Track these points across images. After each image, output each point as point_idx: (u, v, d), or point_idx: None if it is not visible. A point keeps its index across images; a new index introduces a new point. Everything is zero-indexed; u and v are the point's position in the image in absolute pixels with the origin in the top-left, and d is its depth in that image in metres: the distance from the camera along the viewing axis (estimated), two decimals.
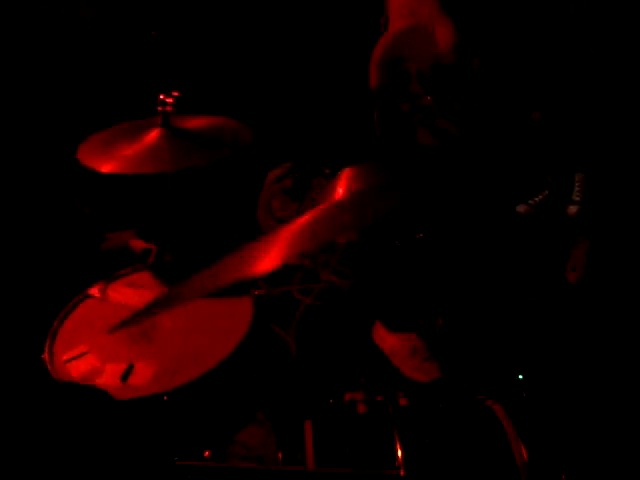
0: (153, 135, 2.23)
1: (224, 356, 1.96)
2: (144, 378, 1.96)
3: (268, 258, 1.46)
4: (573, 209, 2.67)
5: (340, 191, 1.69)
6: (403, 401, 2.13)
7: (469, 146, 2.54)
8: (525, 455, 1.86)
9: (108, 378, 1.96)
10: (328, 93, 3.08)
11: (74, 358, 2.02)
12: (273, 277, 2.92)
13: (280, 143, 3.00)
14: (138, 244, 2.69)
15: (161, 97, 2.22)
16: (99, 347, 2.05)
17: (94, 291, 2.25)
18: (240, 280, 1.44)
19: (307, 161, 3.01)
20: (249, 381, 2.18)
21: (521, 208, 2.73)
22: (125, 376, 1.96)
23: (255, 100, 3.00)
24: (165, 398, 1.89)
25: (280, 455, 1.90)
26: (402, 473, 1.80)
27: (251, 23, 2.86)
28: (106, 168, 2.15)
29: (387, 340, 2.60)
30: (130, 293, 2.24)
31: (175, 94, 2.23)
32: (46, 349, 2.04)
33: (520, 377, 2.37)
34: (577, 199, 2.69)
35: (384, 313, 2.65)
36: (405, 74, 2.57)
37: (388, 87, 2.61)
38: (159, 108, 2.23)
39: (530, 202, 2.76)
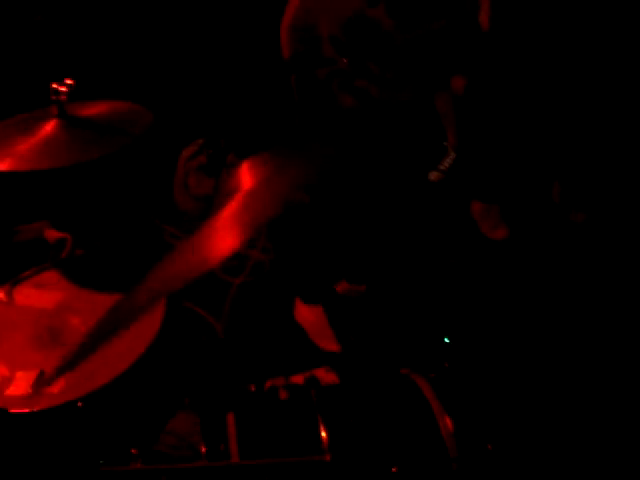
0: (49, 127, 2.12)
1: (138, 354, 1.91)
2: (57, 384, 1.87)
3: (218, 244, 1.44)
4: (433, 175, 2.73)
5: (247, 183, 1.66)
6: (330, 378, 2.13)
7: (389, 105, 2.52)
8: (451, 427, 1.87)
9: (19, 387, 1.88)
10: (236, 65, 3.00)
11: None
12: None
13: (189, 122, 2.92)
14: (52, 234, 2.60)
15: (54, 86, 2.11)
16: (6, 354, 1.97)
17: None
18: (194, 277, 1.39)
19: (220, 136, 2.94)
20: (173, 370, 2.14)
21: (432, 175, 2.73)
22: (37, 384, 1.88)
23: (156, 80, 2.90)
24: (79, 404, 1.83)
25: (204, 450, 1.88)
26: (328, 458, 1.80)
27: None
28: (1, 166, 2.04)
29: (305, 314, 2.60)
30: (39, 295, 2.16)
31: (69, 81, 2.12)
32: None
33: (446, 340, 2.38)
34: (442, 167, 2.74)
35: (298, 283, 2.64)
36: (316, 39, 2.52)
37: (302, 55, 2.56)
38: (53, 97, 2.12)
39: (440, 167, 2.77)
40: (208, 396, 2.07)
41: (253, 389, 2.02)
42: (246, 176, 1.70)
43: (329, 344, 2.51)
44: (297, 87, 2.62)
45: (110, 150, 2.11)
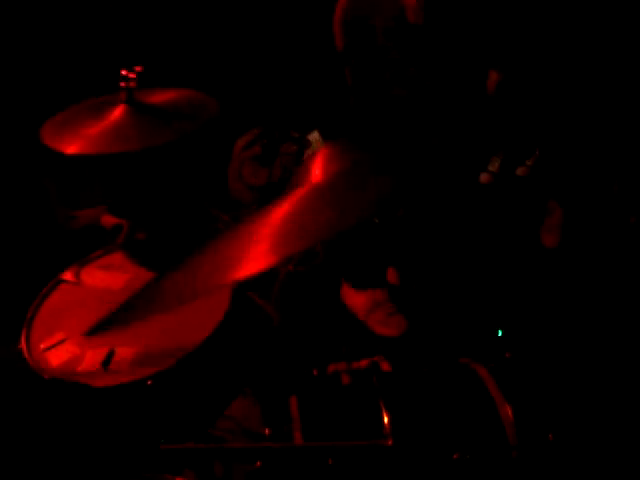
0: (117, 112, 2.17)
1: (204, 337, 1.94)
2: (126, 363, 1.93)
3: (250, 260, 1.41)
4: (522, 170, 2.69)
5: (316, 172, 1.67)
6: (386, 367, 2.13)
7: (440, 95, 2.52)
8: (511, 416, 1.87)
9: (89, 365, 1.92)
10: (292, 57, 3.02)
11: (53, 346, 1.98)
12: None
13: (247, 111, 2.94)
14: (109, 220, 2.64)
15: (123, 72, 2.15)
16: (77, 334, 2.00)
17: (68, 276, 2.20)
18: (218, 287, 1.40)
19: (275, 126, 2.96)
20: (234, 357, 2.16)
21: (483, 177, 2.73)
22: (106, 362, 1.93)
23: (218, 69, 2.93)
24: (149, 382, 1.86)
25: (267, 431, 1.90)
26: (390, 442, 1.81)
27: None
28: (71, 149, 2.09)
29: (352, 298, 2.60)
30: (104, 276, 2.20)
31: (137, 69, 2.16)
32: (22, 339, 2.00)
33: (500, 333, 2.38)
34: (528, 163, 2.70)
35: (348, 269, 2.65)
36: (370, 31, 2.55)
37: (355, 46, 2.59)
38: (122, 84, 2.16)
39: (490, 169, 2.76)
40: (271, 380, 2.09)
41: (316, 373, 2.04)
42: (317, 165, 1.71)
43: (381, 327, 2.51)
44: (352, 77, 2.64)
45: (175, 136, 2.15)
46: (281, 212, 1.49)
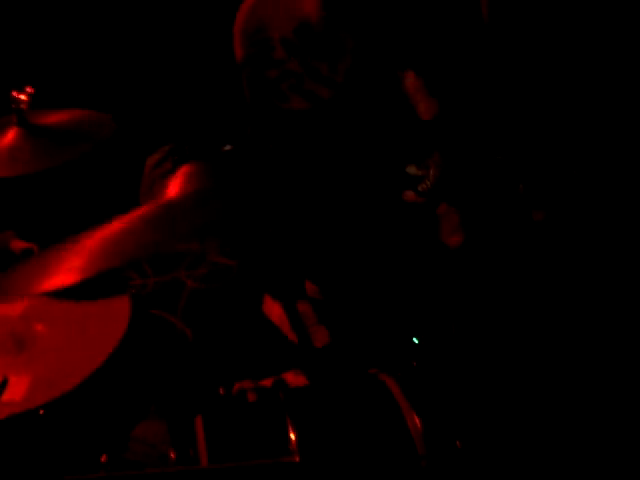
0: (10, 136, 2.12)
1: (101, 361, 1.89)
2: (19, 392, 1.86)
3: (58, 274, 1.40)
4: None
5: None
6: (294, 381, 2.12)
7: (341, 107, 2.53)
8: (419, 425, 1.87)
9: None
10: (191, 70, 3.00)
11: None
12: (160, 263, 2.86)
13: (153, 128, 2.91)
14: (18, 244, 2.58)
15: (14, 94, 2.10)
16: None
17: None
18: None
19: (185, 142, 2.93)
20: (138, 376, 2.12)
21: (408, 195, 2.73)
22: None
23: (115, 87, 2.89)
24: (41, 412, 1.81)
25: (173, 455, 1.87)
26: (297, 459, 1.79)
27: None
28: None
29: (274, 310, 2.59)
30: (1, 302, 2.13)
31: (29, 90, 2.11)
32: None
33: (415, 341, 2.39)
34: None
35: (270, 282, 2.64)
36: (268, 42, 2.56)
37: (253, 56, 2.59)
38: (13, 106, 2.12)
39: (419, 189, 2.76)
40: (175, 401, 2.06)
41: (222, 392, 2.02)
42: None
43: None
44: (249, 88, 2.65)
45: (71, 157, 2.11)
46: (114, 227, 1.50)
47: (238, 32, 2.61)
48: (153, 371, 2.16)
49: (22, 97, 2.11)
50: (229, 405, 1.99)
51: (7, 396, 1.86)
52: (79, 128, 2.19)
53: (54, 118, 2.22)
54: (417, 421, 1.89)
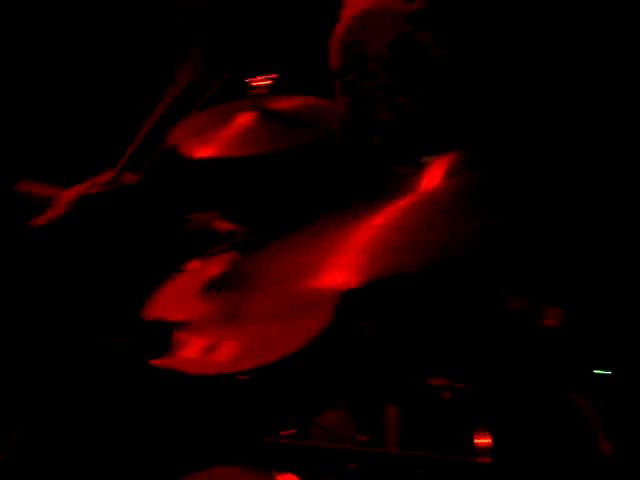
0: (246, 118, 2.24)
1: (305, 342, 1.96)
2: (227, 355, 1.95)
3: (326, 274, 1.33)
4: None
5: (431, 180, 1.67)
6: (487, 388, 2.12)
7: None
8: (610, 449, 1.84)
9: (192, 351, 1.96)
10: None
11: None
12: None
13: None
14: (223, 225, 2.71)
15: (251, 79, 2.23)
16: (188, 319, 2.05)
17: (190, 266, 2.29)
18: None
19: None
20: (331, 363, 2.17)
21: None
22: (208, 351, 1.96)
23: None
24: (243, 377, 1.90)
25: (364, 438, 1.91)
26: (488, 460, 1.80)
27: None
28: (200, 153, 2.16)
29: None
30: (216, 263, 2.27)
31: (269, 76, 2.23)
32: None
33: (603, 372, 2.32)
34: None
35: None
36: (364, 54, 2.60)
37: (349, 67, 2.63)
38: (250, 90, 2.24)
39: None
40: (369, 389, 2.10)
41: (415, 384, 2.05)
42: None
43: None
44: (343, 97, 2.66)
45: (300, 142, 2.20)
46: (375, 223, 1.46)
47: (336, 41, 2.67)
48: (352, 361, 2.21)
49: (260, 82, 2.24)
50: (422, 398, 2.01)
51: (216, 356, 1.95)
52: (312, 115, 2.28)
53: (288, 103, 2.32)
54: (608, 444, 1.85)
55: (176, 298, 2.18)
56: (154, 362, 1.93)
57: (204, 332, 2.03)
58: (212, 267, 2.29)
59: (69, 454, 1.98)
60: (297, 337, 1.98)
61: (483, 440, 1.84)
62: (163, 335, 2.04)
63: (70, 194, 2.36)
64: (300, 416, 2.06)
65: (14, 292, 2.20)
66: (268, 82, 2.23)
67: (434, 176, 1.80)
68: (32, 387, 2.11)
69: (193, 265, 2.32)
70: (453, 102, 2.55)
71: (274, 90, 2.24)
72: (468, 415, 1.94)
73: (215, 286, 2.19)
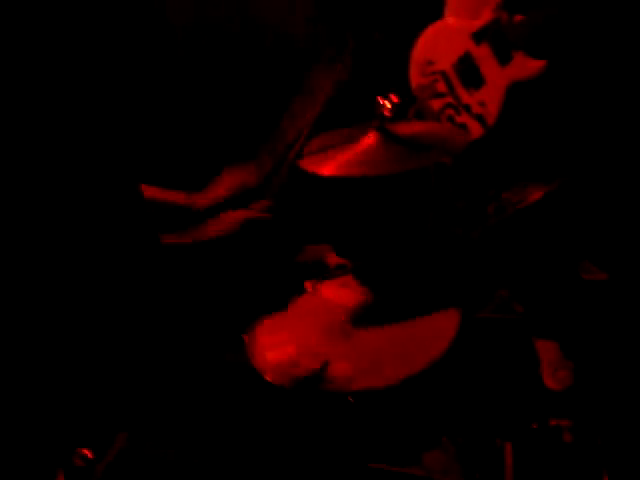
0: (370, 139, 2.20)
1: (417, 369, 1.89)
2: (338, 377, 1.91)
3: None
4: None
5: None
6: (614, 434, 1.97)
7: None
8: None
9: (301, 370, 1.94)
10: None
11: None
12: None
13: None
14: (333, 259, 2.70)
15: (378, 99, 2.21)
16: (299, 337, 2.07)
17: (308, 285, 2.30)
18: None
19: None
20: (439, 398, 2.09)
21: None
22: (322, 370, 1.93)
23: None
24: (350, 399, 1.86)
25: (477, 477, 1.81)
26: None
27: None
28: (326, 171, 2.14)
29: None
30: (340, 292, 2.27)
31: (393, 98, 2.20)
32: (248, 331, 2.10)
33: None
34: None
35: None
36: (434, 74, 2.75)
37: (422, 87, 2.78)
38: (378, 111, 2.21)
39: None
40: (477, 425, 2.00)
41: (535, 426, 1.92)
42: None
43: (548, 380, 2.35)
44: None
45: (421, 165, 2.18)
46: None
47: (413, 62, 2.83)
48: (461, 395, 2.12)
49: (386, 104, 2.21)
50: (542, 439, 1.88)
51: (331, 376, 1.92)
52: (434, 140, 2.24)
53: (412, 128, 2.29)
54: None
55: (292, 316, 2.22)
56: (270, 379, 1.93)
57: (314, 351, 2.02)
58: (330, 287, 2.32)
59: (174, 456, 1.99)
60: (415, 361, 1.92)
61: None
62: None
63: (236, 215, 2.57)
64: (406, 447, 2.00)
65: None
66: (395, 102, 2.19)
67: None
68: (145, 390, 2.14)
69: (314, 283, 2.34)
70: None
71: (401, 110, 2.21)
72: (591, 460, 1.80)
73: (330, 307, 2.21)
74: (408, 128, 2.26)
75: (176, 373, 2.20)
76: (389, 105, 2.21)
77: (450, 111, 2.73)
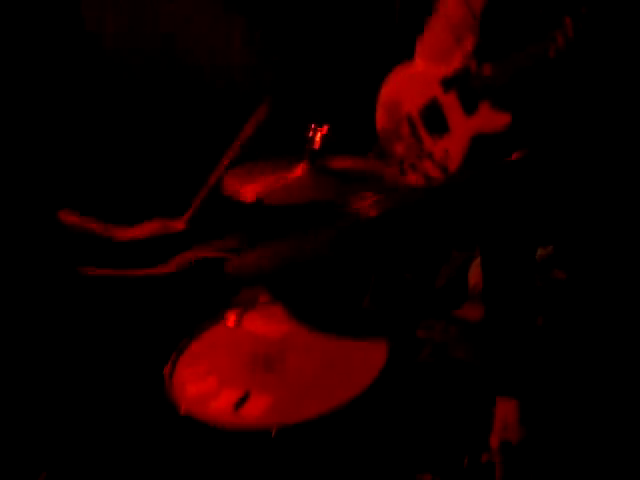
0: (298, 169, 2.20)
1: (341, 401, 1.84)
2: (257, 409, 1.88)
3: None
4: None
5: None
6: None
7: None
8: None
9: (222, 403, 1.91)
10: None
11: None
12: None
13: None
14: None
15: (310, 133, 2.20)
16: (221, 370, 2.03)
17: (230, 316, 2.26)
18: None
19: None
20: (365, 431, 2.02)
21: None
22: (238, 404, 1.90)
23: None
24: (273, 433, 1.79)
25: None
26: None
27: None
28: (251, 197, 2.12)
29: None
30: (264, 324, 2.23)
31: (323, 130, 2.20)
32: (169, 364, 2.05)
33: None
34: None
35: None
36: (399, 117, 2.70)
37: (387, 130, 2.74)
38: (307, 144, 2.21)
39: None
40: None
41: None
42: None
43: None
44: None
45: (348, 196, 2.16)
46: None
47: (380, 102, 2.76)
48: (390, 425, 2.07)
49: (316, 136, 2.21)
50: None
51: (246, 410, 1.89)
52: (363, 175, 2.23)
53: (341, 161, 2.28)
54: None
55: (213, 347, 2.17)
56: (187, 411, 1.88)
57: (235, 384, 1.97)
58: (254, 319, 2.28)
59: None
60: (332, 397, 1.87)
61: None
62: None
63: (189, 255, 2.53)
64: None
65: None
66: (322, 134, 2.18)
67: None
68: None
69: (228, 317, 2.29)
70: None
71: (328, 142, 2.20)
72: None
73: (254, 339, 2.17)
74: (339, 161, 2.26)
75: (95, 409, 2.11)
76: (318, 137, 2.21)
77: (413, 156, 2.69)
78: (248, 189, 2.17)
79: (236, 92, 2.88)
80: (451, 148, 2.55)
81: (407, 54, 2.71)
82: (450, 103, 2.55)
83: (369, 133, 2.63)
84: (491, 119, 2.46)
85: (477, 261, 2.83)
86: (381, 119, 2.76)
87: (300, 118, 2.32)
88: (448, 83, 2.55)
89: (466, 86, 2.51)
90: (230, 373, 2.00)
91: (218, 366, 2.04)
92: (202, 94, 2.86)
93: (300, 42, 2.95)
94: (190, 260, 2.55)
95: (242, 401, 1.89)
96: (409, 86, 2.69)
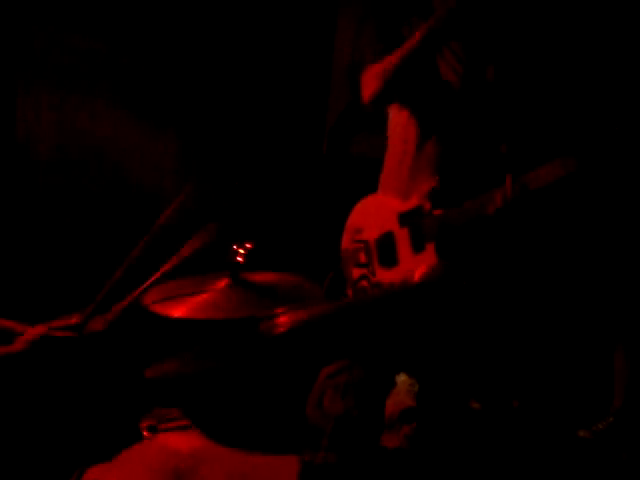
0: (221, 284, 2.22)
1: None
2: None
3: None
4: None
5: None
6: None
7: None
8: None
9: None
10: None
11: None
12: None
13: None
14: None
15: (234, 248, 2.23)
16: None
17: (143, 430, 2.21)
18: None
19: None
20: None
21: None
22: None
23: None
24: None
25: None
26: None
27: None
28: (174, 313, 2.14)
29: None
30: (177, 436, 2.19)
31: (247, 246, 2.23)
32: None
33: None
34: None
35: None
36: (360, 243, 2.81)
37: (347, 252, 2.86)
38: (230, 259, 2.23)
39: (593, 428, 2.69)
40: None
41: None
42: None
43: None
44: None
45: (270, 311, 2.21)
46: None
47: (346, 226, 2.90)
48: None
49: (240, 251, 2.24)
50: None
51: None
52: (284, 290, 2.26)
53: (264, 277, 2.31)
54: None
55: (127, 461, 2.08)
56: None
57: None
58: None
59: None
60: None
61: None
62: None
63: (33, 332, 2.23)
64: None
65: None
66: (246, 250, 2.22)
67: None
68: None
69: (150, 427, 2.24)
70: None
71: (251, 259, 2.23)
72: None
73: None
74: (263, 277, 2.30)
75: None
76: (242, 252, 2.24)
77: (364, 283, 2.76)
78: (169, 304, 2.18)
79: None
80: (397, 282, 2.63)
81: (332, 182, 2.85)
82: (403, 238, 2.65)
83: (291, 251, 2.69)
84: (433, 261, 2.56)
85: (395, 390, 2.87)
86: (344, 242, 2.87)
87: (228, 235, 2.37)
88: (404, 218, 2.66)
89: (417, 225, 2.61)
90: None
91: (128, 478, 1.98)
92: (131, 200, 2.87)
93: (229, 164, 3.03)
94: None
95: None
96: (372, 215, 2.80)
